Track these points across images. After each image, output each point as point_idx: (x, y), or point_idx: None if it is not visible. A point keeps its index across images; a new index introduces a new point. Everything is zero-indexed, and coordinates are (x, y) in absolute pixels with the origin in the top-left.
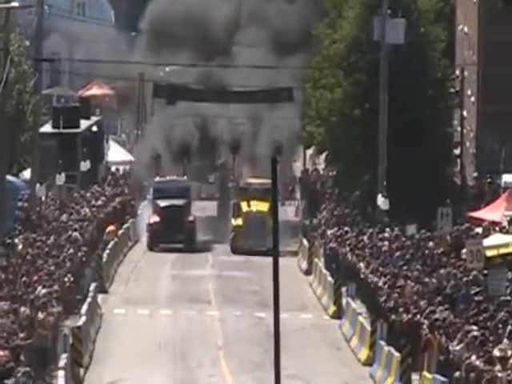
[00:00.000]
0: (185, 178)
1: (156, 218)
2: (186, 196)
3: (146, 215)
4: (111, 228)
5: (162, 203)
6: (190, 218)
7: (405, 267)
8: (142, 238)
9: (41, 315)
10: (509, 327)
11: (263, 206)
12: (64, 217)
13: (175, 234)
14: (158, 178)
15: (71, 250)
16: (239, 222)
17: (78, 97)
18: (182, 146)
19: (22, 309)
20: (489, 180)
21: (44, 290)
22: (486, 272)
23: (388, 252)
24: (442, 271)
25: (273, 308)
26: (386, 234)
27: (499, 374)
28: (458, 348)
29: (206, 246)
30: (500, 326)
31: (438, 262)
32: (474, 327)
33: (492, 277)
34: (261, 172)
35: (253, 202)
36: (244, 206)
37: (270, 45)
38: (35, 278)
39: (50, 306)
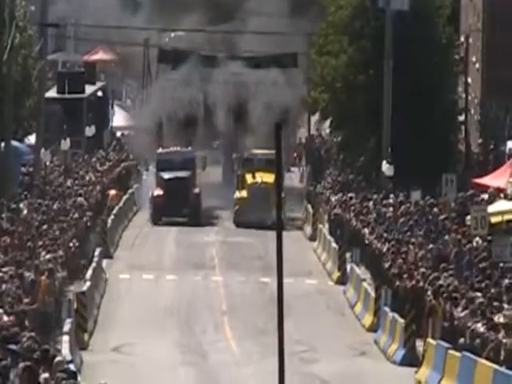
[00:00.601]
0: (189, 148)
1: (159, 191)
2: (190, 167)
3: (150, 184)
4: (113, 193)
5: (166, 175)
6: (195, 191)
7: (409, 233)
8: (144, 207)
9: (45, 280)
10: None
11: (269, 178)
12: (69, 182)
13: (179, 208)
14: (161, 149)
15: (76, 216)
16: (243, 194)
17: (83, 62)
18: (187, 114)
19: (27, 274)
20: (491, 147)
21: (48, 256)
22: (490, 238)
23: (392, 218)
24: (446, 238)
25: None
26: (391, 200)
27: (504, 340)
28: (462, 315)
29: (212, 220)
30: (504, 292)
31: (443, 229)
32: (479, 294)
33: (496, 243)
34: (265, 142)
35: (258, 174)
36: (249, 178)
37: (279, 9)
38: (40, 243)
39: (55, 272)
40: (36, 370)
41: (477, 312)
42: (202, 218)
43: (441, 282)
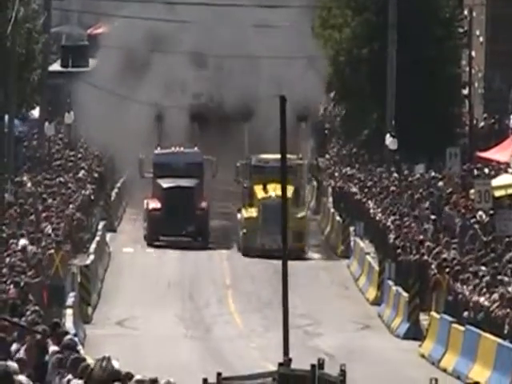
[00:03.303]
0: (195, 149)
1: (157, 204)
2: (197, 174)
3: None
4: None
5: (165, 184)
6: (203, 204)
7: (413, 207)
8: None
9: (60, 252)
10: None
11: None
12: (72, 155)
13: (182, 225)
14: (159, 150)
15: (79, 189)
16: (253, 212)
17: (87, 35)
18: (195, 105)
19: (30, 247)
20: (493, 121)
21: (51, 228)
22: (493, 212)
23: (396, 192)
24: (450, 211)
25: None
26: (395, 174)
27: (508, 314)
28: (466, 288)
29: (221, 240)
30: (508, 266)
31: (447, 202)
32: (483, 267)
33: (500, 217)
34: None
35: (271, 186)
36: (259, 192)
37: None
38: (43, 215)
39: (58, 245)
40: (44, 344)
41: (481, 286)
42: (210, 239)
43: (445, 255)
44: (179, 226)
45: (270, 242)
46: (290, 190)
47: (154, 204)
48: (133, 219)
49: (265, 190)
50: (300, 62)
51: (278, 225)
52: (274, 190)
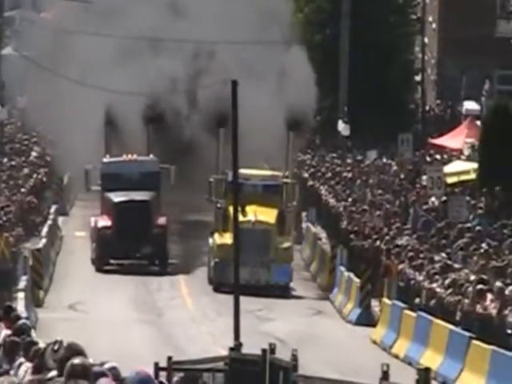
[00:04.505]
0: (151, 156)
1: (106, 221)
2: (153, 186)
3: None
4: None
5: (116, 198)
6: (160, 221)
7: (366, 193)
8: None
9: (5, 236)
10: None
11: (268, 215)
12: (25, 139)
13: (137, 246)
14: (107, 159)
15: (32, 172)
16: (227, 239)
17: (41, 20)
18: (152, 104)
19: None
20: (442, 108)
21: (2, 212)
22: (445, 199)
23: (349, 178)
24: (402, 198)
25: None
26: (349, 160)
27: (460, 300)
28: (418, 274)
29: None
30: (460, 252)
31: (399, 189)
32: (435, 254)
33: (452, 203)
34: (262, 155)
35: (250, 208)
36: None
37: None
38: None
39: (10, 228)
40: None
41: (433, 272)
42: (169, 261)
43: (397, 241)
44: (133, 247)
45: (247, 275)
46: (273, 214)
47: (104, 222)
48: (84, 206)
49: (243, 212)
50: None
51: (258, 255)
52: (254, 212)
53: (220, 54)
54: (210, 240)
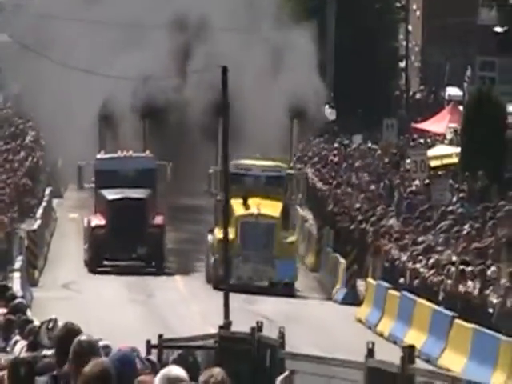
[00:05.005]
0: (147, 153)
1: (100, 220)
2: (149, 183)
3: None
4: None
5: (111, 195)
6: (157, 220)
7: (351, 176)
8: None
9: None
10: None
11: (271, 208)
12: (21, 123)
13: (132, 246)
14: (102, 155)
15: (27, 155)
16: (229, 234)
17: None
18: (148, 99)
19: None
20: (431, 92)
21: None
22: (429, 182)
23: (335, 161)
24: (386, 181)
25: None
26: (335, 144)
27: (443, 281)
28: (403, 255)
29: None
30: (443, 234)
31: (384, 172)
32: (419, 235)
33: (435, 187)
34: (264, 146)
35: (253, 200)
36: (237, 207)
37: None
38: None
39: (5, 210)
40: None
41: (417, 253)
42: (166, 262)
43: (382, 223)
44: (128, 247)
45: (249, 272)
46: (277, 207)
47: (97, 220)
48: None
49: (245, 205)
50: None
51: (261, 250)
52: (258, 205)
53: (212, 36)
54: (209, 237)
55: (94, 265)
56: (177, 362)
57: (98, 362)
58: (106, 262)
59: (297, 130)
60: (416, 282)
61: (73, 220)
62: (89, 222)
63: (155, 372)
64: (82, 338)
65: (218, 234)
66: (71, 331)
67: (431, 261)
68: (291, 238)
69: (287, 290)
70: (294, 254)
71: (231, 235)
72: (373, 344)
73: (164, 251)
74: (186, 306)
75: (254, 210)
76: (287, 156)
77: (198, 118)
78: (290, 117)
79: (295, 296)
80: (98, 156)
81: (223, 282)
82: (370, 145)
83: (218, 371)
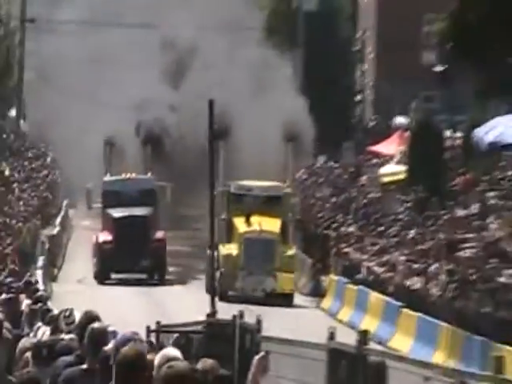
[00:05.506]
0: (149, 175)
1: (107, 236)
2: (151, 202)
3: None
4: None
5: (116, 213)
6: (159, 235)
7: (316, 190)
8: None
9: (18, 226)
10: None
11: (272, 225)
12: (42, 146)
13: (136, 259)
14: (108, 177)
15: (49, 173)
16: (233, 249)
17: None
18: (150, 125)
19: (6, 219)
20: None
21: (22, 205)
22: (381, 195)
23: (304, 178)
24: (346, 194)
25: None
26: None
27: (392, 276)
28: (359, 255)
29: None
30: (393, 238)
31: (343, 186)
32: (374, 239)
33: (386, 198)
34: (260, 170)
35: (254, 218)
36: (240, 225)
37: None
38: (17, 195)
39: (30, 218)
40: (19, 298)
41: (372, 253)
42: (168, 274)
43: (343, 229)
44: (132, 260)
45: (253, 284)
46: (277, 223)
47: (105, 237)
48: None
49: (247, 222)
50: None
51: (264, 264)
52: (259, 222)
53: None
54: (209, 251)
55: (103, 277)
56: (174, 343)
57: (133, 347)
58: (113, 275)
59: (292, 153)
60: (370, 277)
61: (85, 227)
62: (97, 238)
63: (154, 351)
64: (95, 325)
65: (223, 249)
66: (91, 318)
67: (383, 260)
68: (290, 252)
69: (286, 301)
70: (293, 266)
71: (235, 250)
72: (334, 329)
73: (165, 263)
74: (184, 300)
75: (256, 226)
76: (284, 178)
77: (198, 142)
78: (284, 141)
79: (293, 306)
80: (105, 178)
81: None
82: (331, 163)
83: (210, 362)
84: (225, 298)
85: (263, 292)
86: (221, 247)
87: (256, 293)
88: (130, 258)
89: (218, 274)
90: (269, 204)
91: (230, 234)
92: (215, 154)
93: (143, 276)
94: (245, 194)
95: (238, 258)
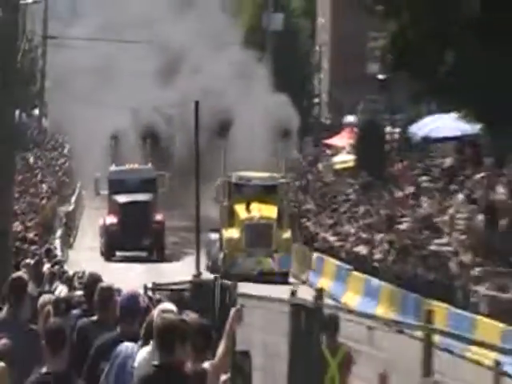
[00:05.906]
0: (149, 165)
1: (113, 219)
2: (151, 189)
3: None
4: None
5: (121, 199)
6: (158, 218)
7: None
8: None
9: (49, 202)
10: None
11: (269, 211)
12: (59, 137)
13: (138, 239)
14: (113, 167)
15: (66, 160)
16: (234, 233)
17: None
18: (149, 123)
19: (29, 199)
20: (336, 119)
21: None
22: (334, 179)
23: None
24: (305, 178)
25: None
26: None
27: (343, 245)
28: (317, 228)
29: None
30: (344, 214)
31: (304, 172)
32: (328, 215)
33: (338, 182)
34: (258, 160)
35: (254, 205)
36: (241, 211)
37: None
38: (40, 179)
39: (51, 197)
40: (41, 263)
41: (327, 226)
42: (167, 253)
43: (303, 207)
44: (135, 239)
45: (253, 265)
46: (274, 210)
47: (111, 219)
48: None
49: (248, 209)
50: None
51: (263, 247)
52: (258, 209)
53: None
54: (212, 235)
55: (109, 255)
56: (169, 299)
57: (167, 316)
58: (118, 253)
59: (283, 147)
60: (325, 245)
61: (94, 208)
62: (104, 221)
63: (151, 303)
64: (104, 285)
65: (226, 233)
66: (95, 279)
67: (336, 231)
68: (286, 235)
69: (282, 278)
70: (289, 248)
71: (236, 235)
72: (296, 288)
73: (164, 242)
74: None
75: (255, 213)
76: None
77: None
78: (276, 137)
79: (289, 283)
80: (111, 168)
81: (232, 276)
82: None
83: (192, 315)
84: (227, 277)
85: (261, 271)
86: (223, 231)
87: (255, 272)
88: (133, 237)
89: (221, 255)
90: (266, 192)
91: (231, 219)
92: (217, 150)
93: (144, 254)
94: (244, 183)
95: (239, 241)
